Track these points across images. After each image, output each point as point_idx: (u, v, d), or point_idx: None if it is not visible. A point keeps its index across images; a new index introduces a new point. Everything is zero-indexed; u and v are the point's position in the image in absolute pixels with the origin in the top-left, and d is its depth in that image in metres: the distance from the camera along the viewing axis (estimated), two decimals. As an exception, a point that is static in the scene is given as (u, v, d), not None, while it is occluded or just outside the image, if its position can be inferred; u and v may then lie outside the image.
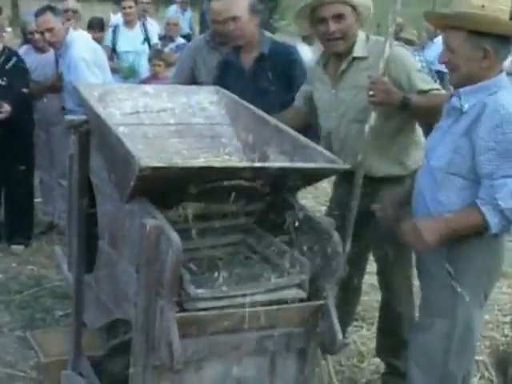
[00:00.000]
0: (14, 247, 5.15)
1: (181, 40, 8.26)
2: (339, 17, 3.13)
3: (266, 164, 2.51)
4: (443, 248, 2.62)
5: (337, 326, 2.46)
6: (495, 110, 2.49)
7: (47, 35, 4.90)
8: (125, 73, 6.98)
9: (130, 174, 2.31)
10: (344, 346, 3.87)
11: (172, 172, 2.27)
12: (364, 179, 3.21)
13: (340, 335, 2.46)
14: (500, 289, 4.86)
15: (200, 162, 2.59)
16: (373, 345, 3.79)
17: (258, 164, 2.45)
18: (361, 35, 3.25)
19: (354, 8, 3.16)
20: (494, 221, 2.50)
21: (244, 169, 2.34)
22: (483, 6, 2.51)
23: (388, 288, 3.52)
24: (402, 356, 3.48)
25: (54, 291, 4.38)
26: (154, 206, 2.35)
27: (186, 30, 10.19)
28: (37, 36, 5.18)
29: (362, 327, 4.15)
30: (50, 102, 5.26)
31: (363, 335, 4.05)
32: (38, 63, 5.32)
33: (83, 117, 2.88)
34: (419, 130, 3.41)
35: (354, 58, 3.22)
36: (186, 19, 10.61)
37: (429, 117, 3.13)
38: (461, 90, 2.59)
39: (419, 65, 3.28)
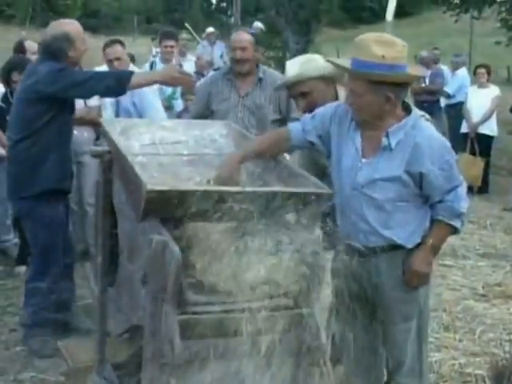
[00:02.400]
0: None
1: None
2: (305, 94, 3.43)
3: (256, 189, 2.86)
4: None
5: (321, 332, 2.78)
6: (430, 146, 2.88)
7: (116, 63, 5.42)
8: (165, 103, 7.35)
9: (140, 196, 2.68)
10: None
11: (174, 195, 2.63)
12: None
13: (324, 340, 2.78)
14: (508, 310, 5.16)
15: (198, 186, 2.94)
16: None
17: (248, 189, 2.78)
18: (341, 89, 3.49)
19: (320, 77, 3.42)
20: (459, 225, 2.98)
21: (236, 193, 2.69)
22: (383, 56, 2.80)
23: None
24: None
25: (87, 307, 4.67)
26: (161, 225, 2.70)
27: (217, 63, 10.46)
28: None
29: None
30: (80, 133, 5.61)
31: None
32: None
33: (106, 148, 3.28)
34: None
35: None
36: (217, 52, 10.90)
37: None
38: (388, 130, 2.91)
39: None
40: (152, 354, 2.65)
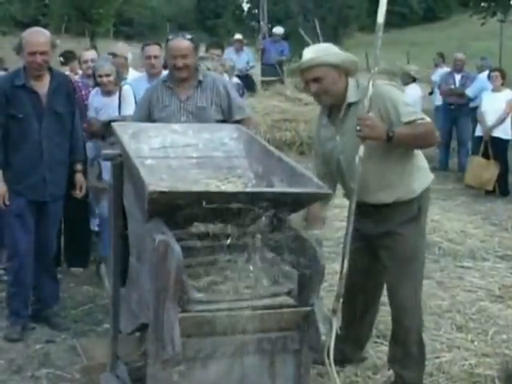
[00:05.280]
0: (74, 269, 5.73)
1: (235, 80, 8.71)
2: (317, 79, 3.53)
3: (256, 189, 2.94)
4: None
5: (322, 330, 2.83)
6: None
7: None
8: None
9: (144, 197, 2.78)
10: (362, 360, 4.25)
11: (176, 195, 2.73)
12: (377, 206, 3.65)
13: (324, 337, 2.84)
14: (528, 311, 5.14)
15: (200, 187, 3.03)
16: (387, 359, 4.10)
17: (248, 189, 2.87)
18: (351, 82, 3.61)
19: (335, 66, 3.53)
20: None
21: (237, 193, 2.78)
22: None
23: (397, 303, 3.83)
24: (408, 366, 3.83)
25: (105, 307, 4.73)
26: (165, 225, 2.79)
27: (242, 69, 10.63)
28: (105, 80, 5.70)
29: (382, 344, 4.40)
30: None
31: (381, 350, 4.30)
32: (103, 105, 5.77)
33: (117, 151, 3.39)
34: (420, 154, 3.76)
35: (349, 104, 3.60)
36: (243, 60, 11.06)
37: (416, 143, 3.55)
38: None
39: (405, 98, 3.66)
40: (155, 351, 2.75)
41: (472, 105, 10.29)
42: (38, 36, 4.53)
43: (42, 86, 4.56)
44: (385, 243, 3.75)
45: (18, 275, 4.61)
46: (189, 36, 4.64)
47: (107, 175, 5.04)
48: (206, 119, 4.42)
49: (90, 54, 6.72)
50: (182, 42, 4.55)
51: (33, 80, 4.54)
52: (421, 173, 3.74)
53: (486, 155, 9.19)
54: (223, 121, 4.49)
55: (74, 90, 4.96)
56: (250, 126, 4.84)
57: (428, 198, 3.83)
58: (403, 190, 3.67)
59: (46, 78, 4.59)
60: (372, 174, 3.57)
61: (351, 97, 3.61)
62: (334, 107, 3.68)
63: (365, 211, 3.68)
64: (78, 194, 4.87)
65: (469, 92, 10.30)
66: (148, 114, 4.65)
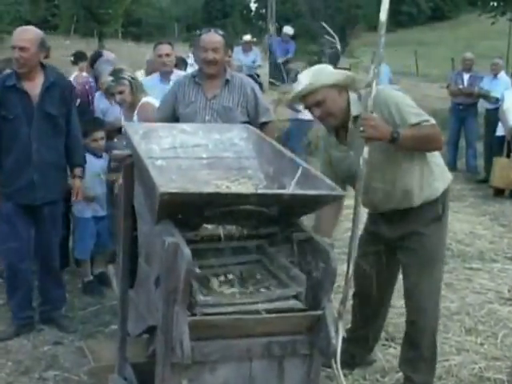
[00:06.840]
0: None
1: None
2: (319, 103, 3.49)
3: (268, 191, 2.91)
4: None
5: (332, 334, 2.79)
6: None
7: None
8: None
9: (155, 198, 2.76)
10: (370, 363, 4.23)
11: (187, 197, 2.70)
12: (403, 210, 3.66)
13: (334, 342, 2.81)
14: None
15: (210, 188, 3.01)
16: (396, 362, 4.03)
17: (260, 191, 2.84)
18: (352, 96, 3.56)
19: (332, 86, 3.48)
20: None
21: (248, 195, 2.75)
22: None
23: (414, 304, 3.78)
24: (419, 370, 3.80)
25: (113, 308, 4.78)
26: (175, 227, 2.77)
27: (248, 70, 10.60)
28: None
29: (390, 346, 4.41)
30: (119, 141, 5.77)
31: (389, 353, 4.31)
32: (108, 107, 5.87)
33: (128, 152, 3.37)
34: (436, 154, 3.73)
35: (354, 118, 3.54)
36: (250, 60, 11.04)
37: (421, 146, 3.51)
38: None
39: (408, 101, 3.61)
40: (164, 354, 2.72)
41: (494, 105, 10.07)
42: (22, 32, 4.45)
43: (34, 87, 4.44)
44: (406, 244, 3.74)
45: (9, 278, 4.62)
46: (221, 32, 4.66)
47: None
48: (231, 120, 4.39)
49: (113, 55, 6.75)
50: (215, 36, 4.57)
51: (24, 80, 4.43)
52: (440, 170, 3.74)
53: (508, 155, 9.09)
54: (248, 123, 4.38)
55: (71, 91, 4.78)
56: (274, 129, 4.87)
57: (449, 196, 3.81)
58: (427, 190, 3.66)
59: (39, 78, 4.46)
60: (393, 184, 3.57)
61: (354, 110, 3.56)
62: (340, 125, 3.64)
63: (389, 216, 3.69)
64: (75, 200, 4.82)
65: (496, 93, 10.12)
66: (173, 109, 4.63)
